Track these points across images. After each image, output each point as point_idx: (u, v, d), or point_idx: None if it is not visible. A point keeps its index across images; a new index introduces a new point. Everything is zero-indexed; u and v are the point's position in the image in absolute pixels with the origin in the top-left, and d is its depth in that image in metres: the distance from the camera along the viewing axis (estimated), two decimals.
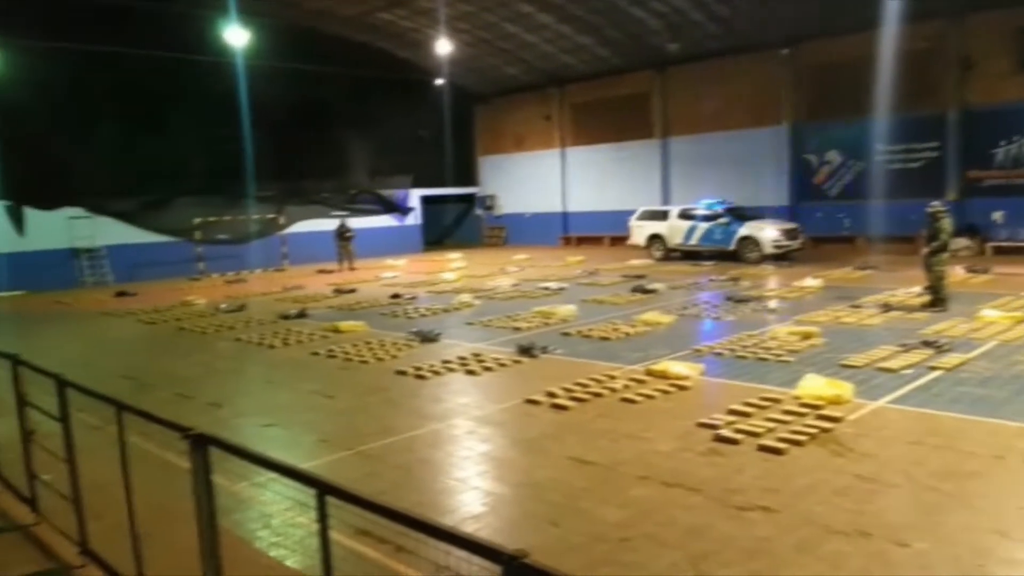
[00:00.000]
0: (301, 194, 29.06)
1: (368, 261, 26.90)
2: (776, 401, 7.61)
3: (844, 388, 7.65)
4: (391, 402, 8.62)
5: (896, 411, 7.31)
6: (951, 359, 9.02)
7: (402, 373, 9.76)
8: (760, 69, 25.50)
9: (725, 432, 6.71)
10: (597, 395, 8.20)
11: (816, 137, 24.76)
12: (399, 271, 24.25)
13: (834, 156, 24.45)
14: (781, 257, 21.25)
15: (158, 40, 23.94)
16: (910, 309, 12.67)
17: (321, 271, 25.12)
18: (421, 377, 9.53)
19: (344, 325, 13.30)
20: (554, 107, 32.34)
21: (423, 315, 14.71)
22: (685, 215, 23.11)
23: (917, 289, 14.51)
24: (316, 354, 11.32)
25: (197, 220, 24.81)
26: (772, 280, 17.80)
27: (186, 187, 25.56)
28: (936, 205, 12.62)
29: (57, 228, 23.19)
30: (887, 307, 12.83)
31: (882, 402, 7.58)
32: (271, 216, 27.48)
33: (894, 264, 19.60)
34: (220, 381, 10.12)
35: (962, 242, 20.13)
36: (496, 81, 32.86)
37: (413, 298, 17.19)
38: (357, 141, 32.68)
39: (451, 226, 37.49)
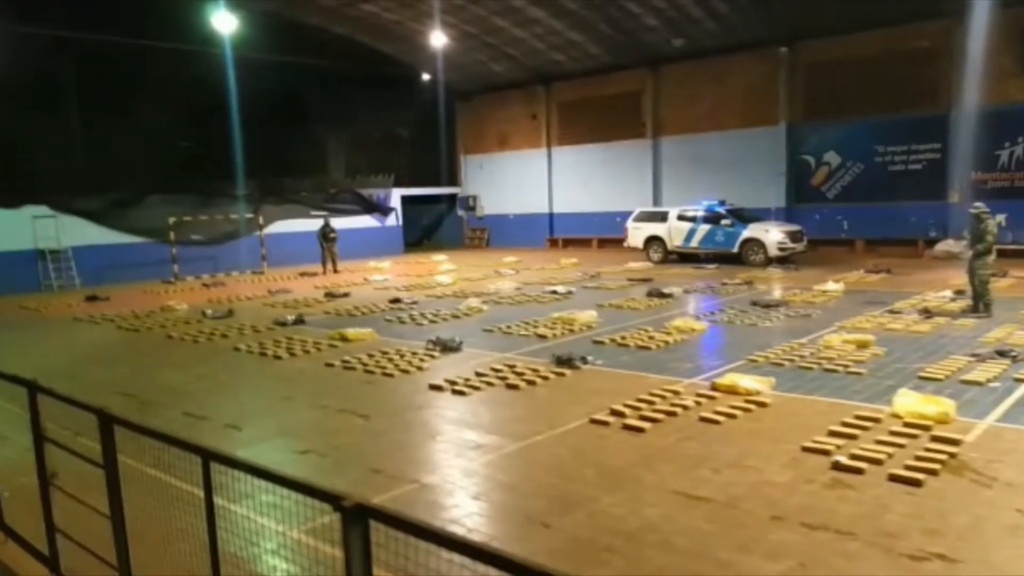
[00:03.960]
0: (279, 193, 27.81)
1: (350, 263, 25.80)
2: (875, 420, 6.87)
3: (946, 405, 6.95)
4: (436, 422, 7.68)
5: (1013, 431, 6.60)
6: None
7: (437, 388, 8.82)
8: (757, 68, 24.98)
9: (842, 459, 5.92)
10: (669, 414, 7.37)
11: (814, 138, 24.31)
12: (387, 273, 23.18)
13: (832, 157, 24.02)
14: (784, 260, 20.72)
15: (129, 26, 22.60)
16: (953, 315, 12.10)
17: (303, 273, 23.94)
18: (459, 392, 8.59)
19: (352, 333, 12.27)
20: (540, 105, 31.50)
21: (432, 321, 13.74)
22: (685, 217, 22.45)
23: (948, 293, 14.07)
24: (331, 365, 10.30)
25: (171, 220, 23.38)
26: (787, 284, 17.19)
27: (158, 185, 24.19)
28: (980, 206, 12.06)
29: (20, 228, 21.60)
30: (928, 312, 12.23)
31: (989, 420, 6.89)
32: (248, 215, 26.15)
33: (903, 267, 19.24)
34: (231, 398, 9.04)
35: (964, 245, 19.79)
36: (481, 78, 31.91)
37: (415, 303, 16.19)
38: (336, 138, 31.59)
39: (431, 227, 36.45)
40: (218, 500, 3.25)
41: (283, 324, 13.93)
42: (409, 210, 32.70)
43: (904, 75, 22.09)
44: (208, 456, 3.01)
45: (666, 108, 27.74)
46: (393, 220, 31.38)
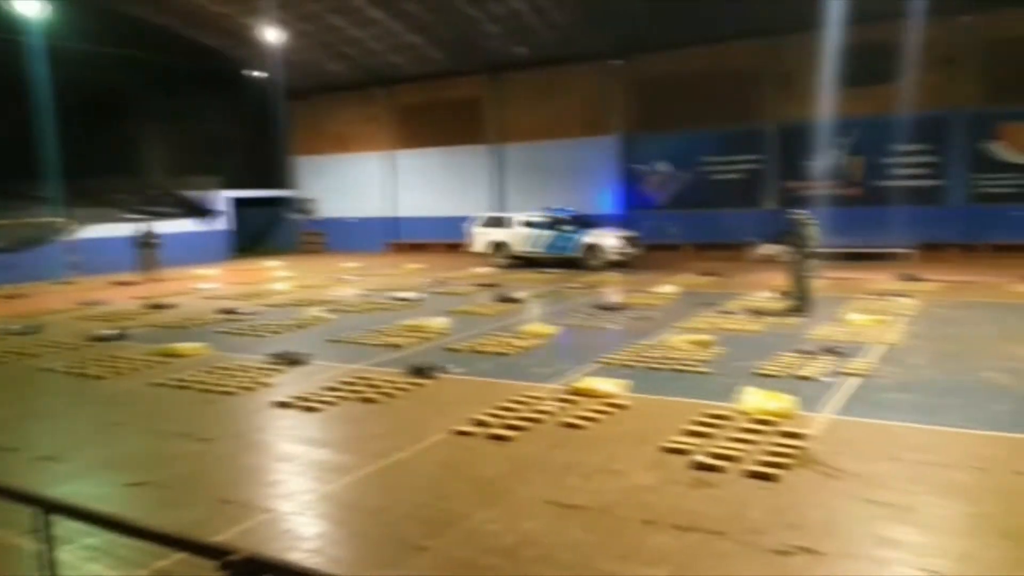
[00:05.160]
0: (92, 194, 25.33)
1: (175, 270, 23.93)
2: (726, 418, 7.15)
3: (787, 401, 7.38)
4: (287, 443, 7.17)
5: (850, 423, 7.09)
6: (856, 364, 9.13)
7: (284, 405, 8.25)
8: (593, 79, 25.89)
9: (700, 458, 6.09)
10: (533, 420, 7.31)
11: (646, 147, 25.53)
12: (216, 281, 21.72)
13: (663, 166, 25.34)
14: (621, 264, 21.51)
15: None
16: (778, 314, 12.98)
17: (119, 283, 21.88)
18: (310, 409, 8.08)
19: (183, 347, 11.30)
20: (380, 108, 30.86)
21: (274, 333, 12.95)
22: (528, 222, 22.78)
23: (770, 294, 15.07)
24: (161, 385, 9.38)
25: None
26: (626, 287, 17.79)
27: None
28: (801, 213, 13.05)
29: None
30: (757, 313, 13.07)
31: (827, 414, 7.37)
32: (55, 220, 23.60)
33: (729, 270, 20.51)
34: (46, 425, 7.97)
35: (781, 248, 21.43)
36: (317, 77, 30.77)
37: (251, 313, 15.22)
38: (159, 137, 29.34)
39: (264, 231, 34.65)
40: (33, 545, 2.71)
41: (102, 339, 12.61)
42: (240, 213, 30.94)
43: (729, 90, 23.72)
44: (50, 508, 2.50)
45: (509, 115, 28.06)
46: (219, 224, 29.52)
